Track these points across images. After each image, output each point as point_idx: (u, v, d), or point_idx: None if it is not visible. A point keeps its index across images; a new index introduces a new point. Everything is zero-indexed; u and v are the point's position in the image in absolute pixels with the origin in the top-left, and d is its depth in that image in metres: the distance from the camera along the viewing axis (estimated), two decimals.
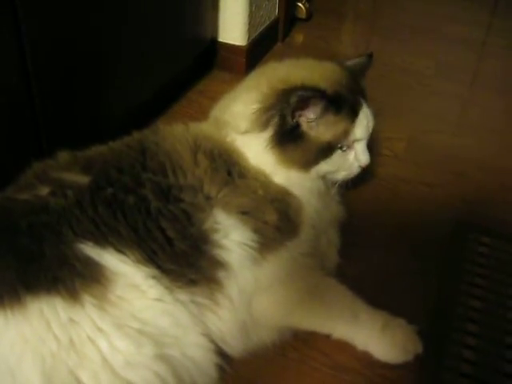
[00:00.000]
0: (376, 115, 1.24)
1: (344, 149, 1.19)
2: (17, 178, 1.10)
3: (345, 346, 1.17)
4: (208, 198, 1.10)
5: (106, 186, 1.06)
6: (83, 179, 1.07)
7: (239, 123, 1.18)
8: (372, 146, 1.28)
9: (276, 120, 1.13)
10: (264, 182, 1.16)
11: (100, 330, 0.93)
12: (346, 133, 1.16)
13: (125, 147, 1.16)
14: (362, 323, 1.15)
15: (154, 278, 1.01)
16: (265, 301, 1.14)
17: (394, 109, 2.00)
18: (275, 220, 1.13)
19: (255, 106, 1.16)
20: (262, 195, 1.14)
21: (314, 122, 1.14)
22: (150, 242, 1.03)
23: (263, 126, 1.15)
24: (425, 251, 1.42)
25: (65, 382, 0.88)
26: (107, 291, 0.96)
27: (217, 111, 1.28)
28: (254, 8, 2.07)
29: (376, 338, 1.14)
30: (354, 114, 1.17)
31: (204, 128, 1.23)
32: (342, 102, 1.15)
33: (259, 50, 2.21)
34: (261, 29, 2.19)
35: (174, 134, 1.20)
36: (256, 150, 1.16)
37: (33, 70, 1.25)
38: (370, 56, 1.33)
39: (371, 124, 1.22)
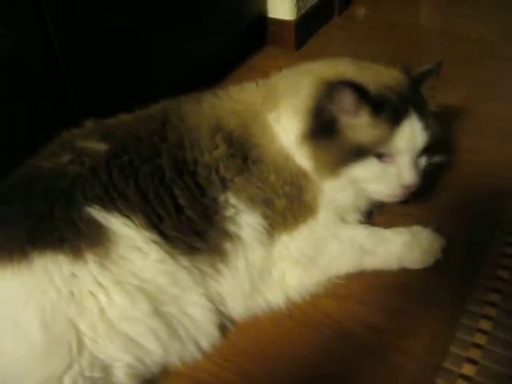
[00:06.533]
0: None
1: (384, 159, 1.13)
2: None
3: (355, 313, 1.18)
4: (223, 179, 1.12)
5: (123, 154, 1.11)
6: (102, 147, 1.13)
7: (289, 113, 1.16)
8: None
9: (315, 111, 1.12)
10: (281, 165, 1.15)
11: (100, 284, 1.00)
12: (384, 140, 1.11)
13: (147, 117, 1.20)
14: (392, 242, 1.22)
15: (155, 242, 1.06)
16: (300, 269, 1.18)
17: (447, 75, 1.92)
18: (284, 204, 1.15)
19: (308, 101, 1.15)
20: (274, 180, 1.14)
21: (350, 120, 1.11)
22: (158, 208, 1.08)
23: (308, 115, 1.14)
24: (463, 219, 1.37)
25: (63, 330, 0.96)
26: (110, 251, 1.02)
27: (267, 86, 1.25)
28: None
29: (408, 249, 1.22)
30: (396, 122, 1.11)
31: (242, 98, 1.22)
32: (384, 105, 1.10)
33: (311, 24, 2.19)
34: (312, 2, 2.18)
35: (199, 109, 1.20)
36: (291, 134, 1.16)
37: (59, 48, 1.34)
38: (439, 64, 1.24)
39: (420, 139, 1.13)
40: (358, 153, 1.11)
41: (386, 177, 1.14)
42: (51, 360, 0.95)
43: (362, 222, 1.28)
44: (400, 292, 1.21)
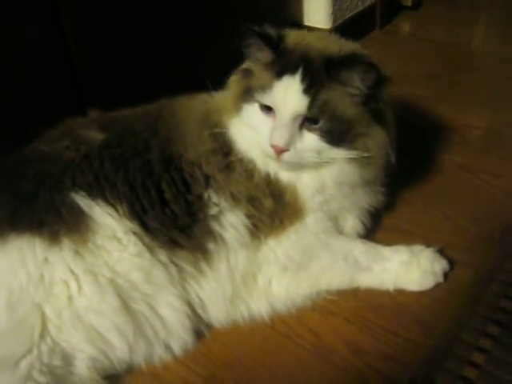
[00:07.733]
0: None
1: (270, 114, 1.04)
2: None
3: (340, 330, 1.12)
4: (206, 176, 1.10)
5: (117, 146, 1.11)
6: (99, 136, 1.13)
7: None
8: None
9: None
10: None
11: (72, 272, 0.99)
12: (263, 89, 1.03)
13: (145, 112, 1.20)
14: (389, 260, 1.17)
15: (135, 234, 1.04)
16: (287, 278, 1.14)
17: (484, 97, 1.85)
18: (271, 204, 1.11)
19: None
20: (259, 179, 1.11)
21: (256, 63, 1.08)
22: (143, 199, 1.06)
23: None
24: (474, 244, 1.29)
25: (28, 314, 0.95)
26: (88, 239, 1.01)
27: None
28: None
29: (405, 269, 1.17)
30: (278, 76, 1.02)
31: (224, 94, 1.19)
32: (281, 59, 1.04)
33: (349, 35, 2.13)
34: (351, 13, 2.14)
35: (190, 105, 1.20)
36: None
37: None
38: (370, 64, 1.04)
39: (294, 101, 1.01)
40: (247, 94, 1.07)
41: (264, 130, 1.05)
42: (11, 342, 0.94)
43: (361, 237, 1.23)
44: (392, 314, 1.14)
